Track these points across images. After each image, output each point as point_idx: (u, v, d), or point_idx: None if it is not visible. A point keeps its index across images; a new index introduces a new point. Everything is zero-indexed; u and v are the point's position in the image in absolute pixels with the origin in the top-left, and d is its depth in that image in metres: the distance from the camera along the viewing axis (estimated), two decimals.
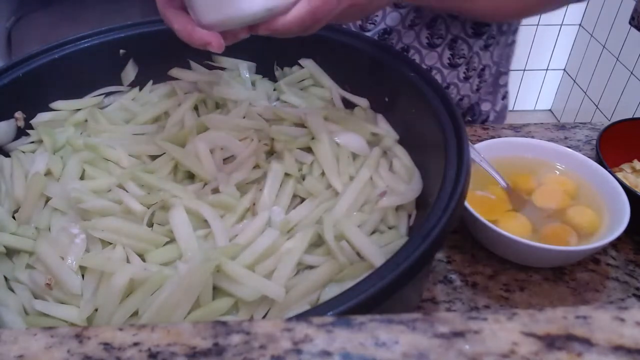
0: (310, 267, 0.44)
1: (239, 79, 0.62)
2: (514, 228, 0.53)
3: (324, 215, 0.46)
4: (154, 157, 0.53)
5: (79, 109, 0.58)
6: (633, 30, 1.79)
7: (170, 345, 0.21)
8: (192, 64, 0.63)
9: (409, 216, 0.49)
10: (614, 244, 0.58)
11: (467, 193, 0.40)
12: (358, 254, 0.43)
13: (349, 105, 0.60)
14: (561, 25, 2.17)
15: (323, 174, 0.51)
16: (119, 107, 0.60)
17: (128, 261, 0.44)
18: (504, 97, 0.89)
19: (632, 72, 1.85)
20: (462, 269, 0.55)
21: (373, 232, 0.47)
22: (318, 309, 0.32)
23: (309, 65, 0.62)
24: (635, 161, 0.65)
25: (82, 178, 0.51)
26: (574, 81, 2.23)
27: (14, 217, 0.48)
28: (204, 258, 0.41)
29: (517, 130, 0.76)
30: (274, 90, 0.63)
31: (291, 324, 0.22)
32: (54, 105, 0.57)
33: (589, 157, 0.60)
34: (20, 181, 0.50)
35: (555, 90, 2.36)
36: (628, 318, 0.22)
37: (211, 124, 0.54)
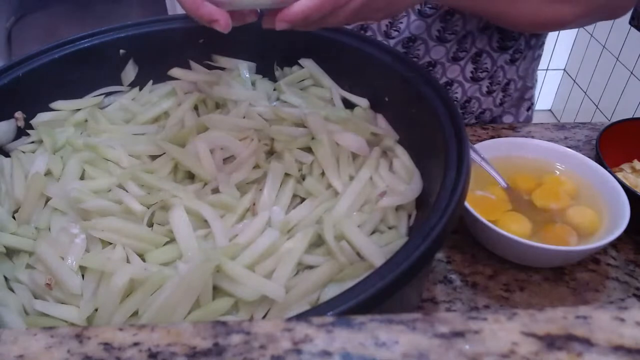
0: (310, 267, 0.44)
1: (239, 79, 0.62)
2: (514, 228, 0.53)
3: (324, 215, 0.46)
4: (154, 157, 0.53)
5: (79, 109, 0.58)
6: (633, 30, 1.79)
7: (170, 345, 0.21)
8: (192, 64, 0.63)
9: (409, 216, 0.49)
10: (614, 244, 0.57)
11: (467, 193, 0.40)
12: (358, 254, 0.43)
13: (349, 105, 0.60)
14: None
15: (323, 174, 0.51)
16: (119, 107, 0.60)
17: (128, 261, 0.44)
18: (529, 108, 0.88)
19: (632, 72, 1.84)
20: (462, 269, 0.55)
21: (373, 232, 0.47)
22: (318, 309, 0.32)
23: (309, 65, 0.62)
24: (635, 161, 0.65)
25: (82, 178, 0.51)
26: (574, 81, 2.23)
27: (14, 217, 0.48)
28: (204, 258, 0.41)
29: (517, 130, 0.76)
30: (274, 90, 0.63)
31: (291, 324, 0.22)
32: (54, 105, 0.58)
33: (589, 157, 0.60)
34: (20, 181, 0.50)
35: (555, 90, 2.36)
36: (628, 318, 0.22)
37: (211, 124, 0.54)
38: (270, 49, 0.61)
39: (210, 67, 0.63)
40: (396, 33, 0.72)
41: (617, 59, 1.92)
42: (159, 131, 0.56)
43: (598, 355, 0.20)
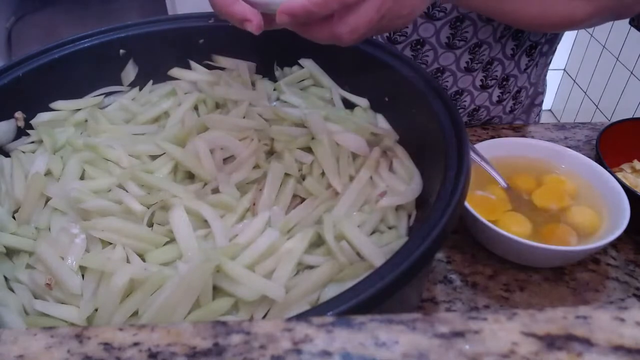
0: (310, 267, 0.44)
1: (239, 79, 0.62)
2: (514, 228, 0.53)
3: (324, 216, 0.46)
4: (154, 157, 0.53)
5: (79, 109, 0.58)
6: (633, 30, 1.79)
7: (170, 345, 0.21)
8: (192, 64, 0.63)
9: (409, 216, 0.49)
10: (614, 244, 0.58)
11: (467, 193, 0.40)
12: (358, 254, 0.43)
13: (349, 105, 0.60)
14: None
15: (323, 174, 0.51)
16: (119, 107, 0.60)
17: (128, 261, 0.44)
18: (538, 114, 0.88)
19: (632, 72, 1.84)
20: (462, 269, 0.55)
21: (373, 232, 0.47)
22: (318, 309, 0.32)
23: (309, 65, 0.62)
24: (635, 161, 0.65)
25: (82, 178, 0.51)
26: (574, 81, 2.23)
27: (14, 217, 0.48)
28: (204, 258, 0.41)
29: (517, 130, 0.76)
30: (274, 90, 0.63)
31: (291, 324, 0.22)
32: (54, 105, 0.58)
33: (589, 157, 0.60)
34: (20, 181, 0.50)
35: (555, 90, 2.36)
36: (628, 318, 0.22)
37: (211, 124, 0.54)
38: (270, 49, 0.61)
39: (210, 67, 0.63)
40: (403, 38, 0.71)
41: (617, 59, 1.92)
42: (159, 131, 0.56)
43: (598, 355, 0.20)
